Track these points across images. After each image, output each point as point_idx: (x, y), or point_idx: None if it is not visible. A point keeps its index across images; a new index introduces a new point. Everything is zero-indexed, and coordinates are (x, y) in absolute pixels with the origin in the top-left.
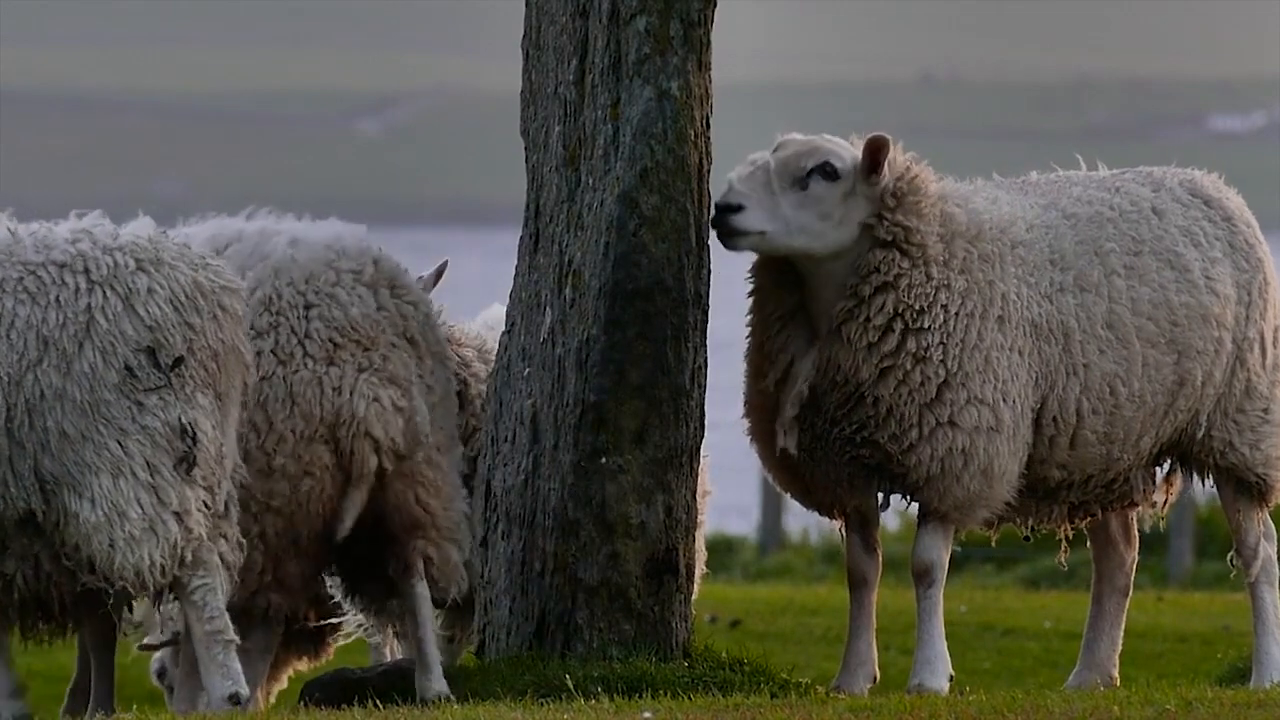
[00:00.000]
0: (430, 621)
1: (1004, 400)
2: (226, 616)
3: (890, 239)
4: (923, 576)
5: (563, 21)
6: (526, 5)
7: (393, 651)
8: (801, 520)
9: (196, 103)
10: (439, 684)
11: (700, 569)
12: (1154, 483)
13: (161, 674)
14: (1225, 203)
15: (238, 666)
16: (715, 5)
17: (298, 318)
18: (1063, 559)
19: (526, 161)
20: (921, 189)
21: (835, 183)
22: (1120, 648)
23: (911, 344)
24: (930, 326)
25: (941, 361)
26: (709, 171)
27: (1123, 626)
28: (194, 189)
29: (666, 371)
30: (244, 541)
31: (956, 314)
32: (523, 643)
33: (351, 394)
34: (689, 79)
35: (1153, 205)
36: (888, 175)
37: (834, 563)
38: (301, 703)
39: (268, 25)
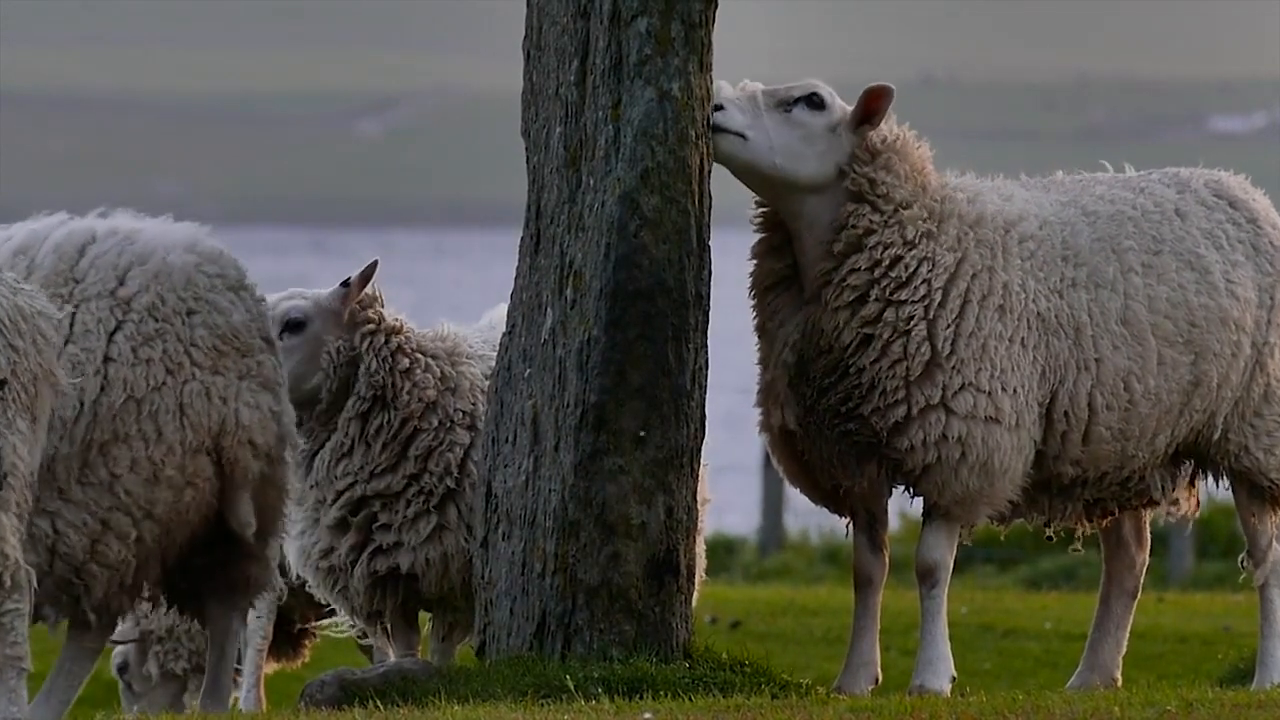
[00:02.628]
0: (234, 658)
1: (1003, 390)
2: (28, 644)
3: (856, 189)
4: (926, 577)
5: (564, 22)
6: (528, 6)
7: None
8: (802, 521)
9: (196, 103)
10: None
11: (700, 575)
12: (1173, 483)
13: (123, 669)
14: (1251, 205)
15: (24, 693)
16: (716, 6)
17: (182, 324)
18: (1078, 546)
19: (527, 162)
20: (903, 152)
21: (820, 113)
22: (1124, 650)
23: (890, 314)
24: (910, 299)
25: (927, 339)
26: (710, 172)
27: (1128, 629)
28: (194, 189)
29: (667, 372)
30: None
31: (944, 291)
32: (523, 643)
33: (236, 402)
34: (690, 80)
35: (1176, 206)
36: (881, 133)
37: (834, 563)
38: (301, 703)
39: (268, 25)
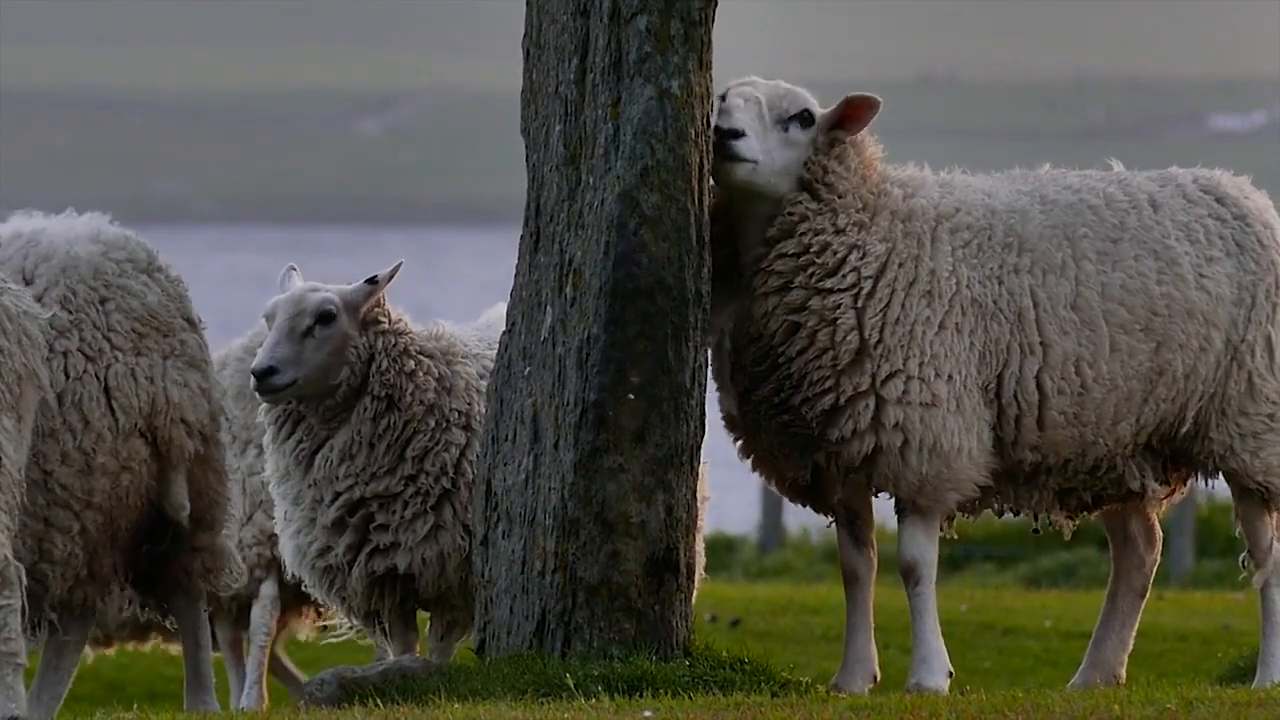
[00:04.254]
0: (209, 646)
1: (936, 375)
2: (22, 639)
3: (809, 178)
4: (908, 575)
5: (563, 20)
6: (527, 4)
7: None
8: (801, 519)
9: (196, 103)
10: (214, 703)
11: (699, 573)
12: (1154, 475)
13: None
14: (1243, 202)
15: (21, 689)
16: (716, 4)
17: (97, 312)
18: (1046, 528)
19: (527, 160)
20: (859, 145)
21: (809, 129)
22: (1129, 649)
23: (816, 303)
24: (837, 288)
25: (855, 328)
26: (709, 170)
27: (1134, 628)
28: (194, 188)
29: (667, 370)
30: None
31: (873, 279)
32: (523, 642)
33: (164, 381)
34: (690, 78)
35: (1152, 198)
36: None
37: (834, 561)
38: (301, 702)
39: (268, 25)
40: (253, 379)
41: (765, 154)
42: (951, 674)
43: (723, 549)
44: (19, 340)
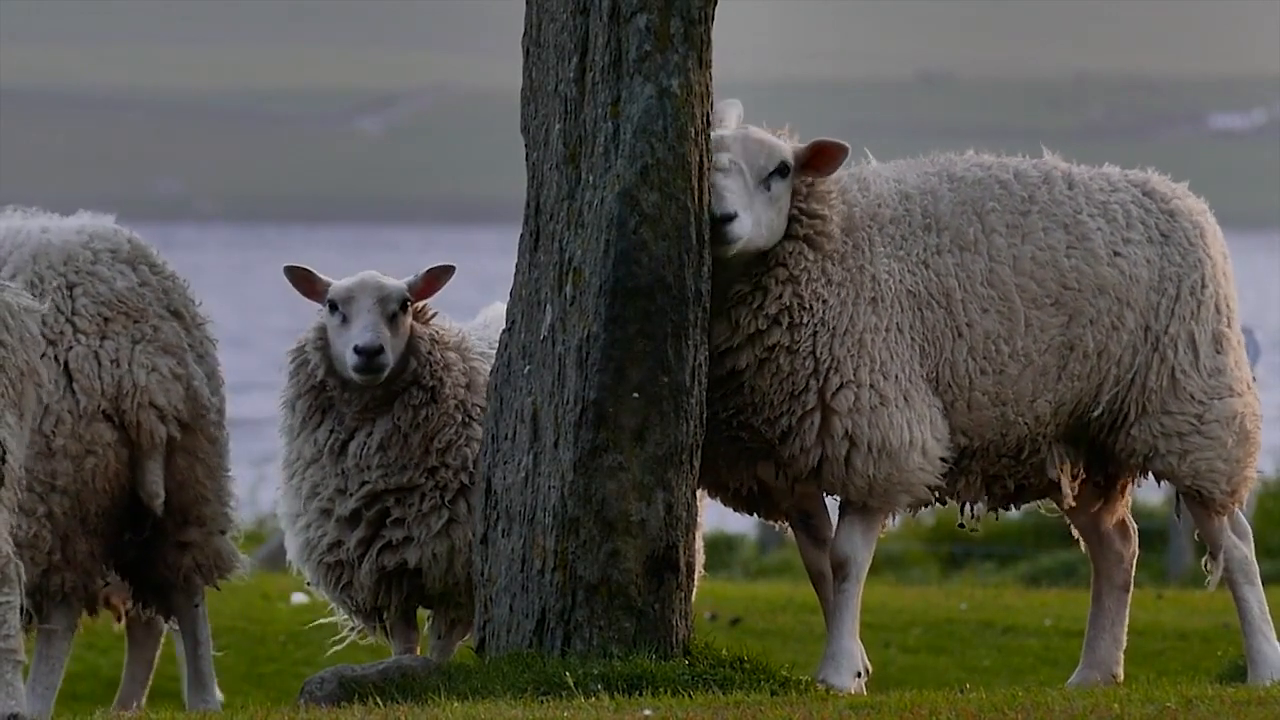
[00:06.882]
0: (209, 644)
1: (885, 378)
2: (20, 636)
3: (806, 231)
4: (839, 570)
5: (563, 19)
6: (527, 3)
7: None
8: None
9: (196, 102)
10: (215, 700)
11: (699, 572)
12: (1072, 468)
13: None
14: (1174, 201)
15: (21, 685)
16: (716, 3)
17: (63, 298)
18: (974, 525)
19: (527, 159)
20: (829, 179)
21: (786, 178)
22: (1124, 645)
23: (786, 339)
24: (806, 322)
25: (811, 352)
26: (709, 169)
27: (1125, 624)
28: (194, 186)
29: (667, 369)
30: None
31: (830, 304)
32: (523, 640)
33: (130, 365)
34: (689, 76)
35: (1069, 176)
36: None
37: None
38: (301, 700)
39: (268, 24)
40: (357, 356)
41: (754, 224)
42: (862, 674)
43: (723, 547)
44: (21, 337)
